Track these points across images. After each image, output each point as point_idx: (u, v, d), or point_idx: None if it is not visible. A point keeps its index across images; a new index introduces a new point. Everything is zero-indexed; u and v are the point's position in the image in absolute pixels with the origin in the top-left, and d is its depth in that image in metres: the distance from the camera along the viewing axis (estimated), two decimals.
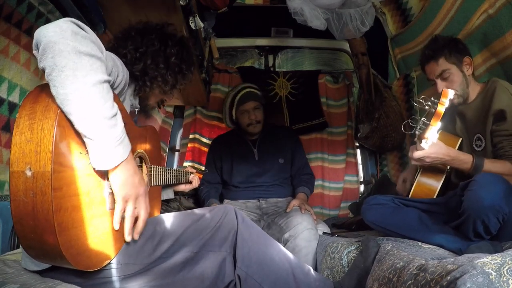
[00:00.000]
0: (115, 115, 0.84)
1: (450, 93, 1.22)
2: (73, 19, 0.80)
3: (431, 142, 1.25)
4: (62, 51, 0.74)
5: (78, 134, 0.82)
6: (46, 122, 0.77)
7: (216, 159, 2.20)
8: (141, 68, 1.15)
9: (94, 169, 0.85)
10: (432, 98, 1.26)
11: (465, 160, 1.35)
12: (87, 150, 0.84)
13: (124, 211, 0.92)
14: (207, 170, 2.16)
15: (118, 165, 0.87)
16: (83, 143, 0.83)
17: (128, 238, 0.94)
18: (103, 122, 0.80)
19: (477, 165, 1.32)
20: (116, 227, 0.92)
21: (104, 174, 0.90)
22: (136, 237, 0.95)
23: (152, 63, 1.16)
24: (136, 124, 1.27)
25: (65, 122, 0.79)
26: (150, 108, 1.30)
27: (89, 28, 0.83)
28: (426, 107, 1.27)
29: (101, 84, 0.80)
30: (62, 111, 0.78)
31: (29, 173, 0.75)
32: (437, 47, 1.50)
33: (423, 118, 1.27)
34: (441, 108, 1.21)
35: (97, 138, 0.81)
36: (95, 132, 0.80)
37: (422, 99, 1.29)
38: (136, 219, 0.95)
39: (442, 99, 1.22)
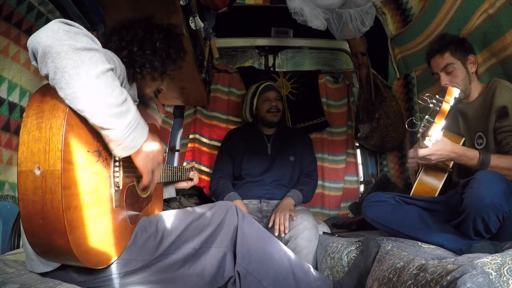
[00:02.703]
0: (126, 100, 0.85)
1: (455, 92, 1.20)
2: (62, 19, 0.80)
3: (435, 140, 1.23)
4: (59, 53, 0.74)
5: (86, 133, 0.83)
6: (55, 121, 0.77)
7: (230, 148, 2.21)
8: (126, 54, 1.14)
9: (119, 157, 0.89)
10: (436, 96, 1.25)
11: (472, 156, 1.33)
12: (96, 147, 0.85)
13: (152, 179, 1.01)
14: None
15: (141, 146, 0.90)
16: (91, 141, 0.84)
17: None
18: (116, 110, 0.81)
19: (483, 161, 1.31)
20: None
21: (109, 172, 0.91)
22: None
23: (138, 50, 1.16)
24: None
25: (74, 120, 0.80)
26: (148, 98, 1.30)
27: (78, 25, 0.83)
28: (431, 105, 1.26)
29: (104, 74, 0.80)
30: (73, 109, 0.78)
31: (37, 172, 0.76)
32: (444, 43, 1.53)
33: (427, 116, 1.25)
34: (446, 106, 1.20)
35: (114, 127, 0.82)
36: (111, 121, 0.81)
37: (427, 97, 1.28)
38: None
39: (447, 97, 1.20)
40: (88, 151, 0.84)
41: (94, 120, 0.80)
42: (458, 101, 1.53)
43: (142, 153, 0.93)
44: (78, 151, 0.81)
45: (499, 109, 1.37)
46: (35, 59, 0.77)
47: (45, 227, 0.76)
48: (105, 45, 1.15)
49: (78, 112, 0.78)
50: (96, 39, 0.85)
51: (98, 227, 0.86)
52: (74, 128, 0.80)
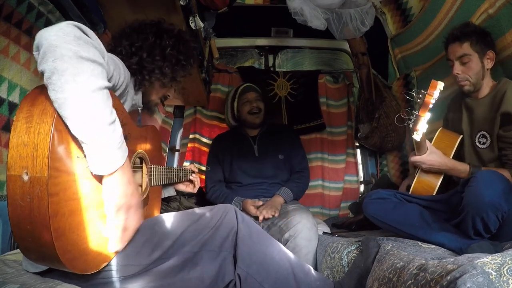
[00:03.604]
0: (114, 121, 0.84)
1: (440, 85, 1.23)
2: (77, 23, 0.79)
3: (422, 133, 1.27)
4: (63, 56, 0.74)
5: (75, 138, 0.81)
6: (43, 126, 0.76)
7: (218, 154, 2.21)
8: (137, 61, 1.14)
9: (91, 172, 0.85)
10: (422, 90, 1.28)
11: (462, 170, 1.40)
12: (84, 154, 0.83)
13: (114, 220, 0.89)
14: (209, 168, 2.16)
15: (115, 171, 0.86)
16: (81, 146, 0.83)
17: (112, 248, 0.91)
18: (101, 128, 0.80)
19: (473, 174, 1.33)
20: (107, 235, 0.89)
21: (102, 177, 0.90)
22: (120, 248, 0.93)
23: (148, 56, 1.16)
24: (139, 123, 1.27)
25: (62, 126, 0.78)
26: (153, 104, 1.30)
27: (92, 32, 0.82)
28: (418, 100, 1.29)
29: (101, 90, 0.80)
30: (59, 115, 0.77)
31: (26, 178, 0.75)
32: (466, 31, 1.49)
33: (415, 111, 1.28)
34: (429, 99, 1.23)
35: (94, 143, 0.80)
36: (92, 137, 0.79)
37: (413, 91, 1.30)
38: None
39: (430, 90, 1.23)
40: (78, 157, 0.82)
41: (75, 130, 0.78)
42: (466, 94, 1.54)
43: (112, 184, 0.86)
44: (67, 157, 0.79)
45: (504, 114, 1.36)
46: (38, 51, 0.76)
47: (32, 232, 0.75)
48: (114, 48, 1.16)
49: (63, 118, 0.77)
50: (104, 52, 0.84)
51: (87, 234, 0.84)
52: (62, 134, 0.78)
